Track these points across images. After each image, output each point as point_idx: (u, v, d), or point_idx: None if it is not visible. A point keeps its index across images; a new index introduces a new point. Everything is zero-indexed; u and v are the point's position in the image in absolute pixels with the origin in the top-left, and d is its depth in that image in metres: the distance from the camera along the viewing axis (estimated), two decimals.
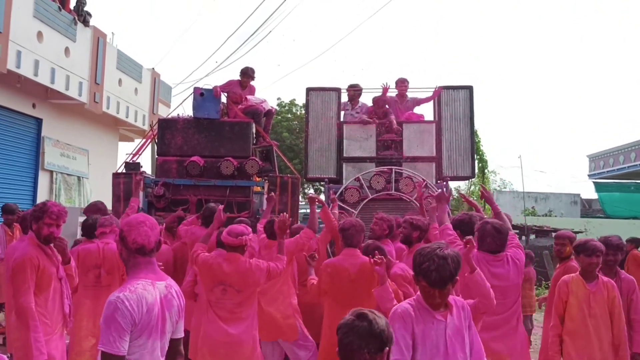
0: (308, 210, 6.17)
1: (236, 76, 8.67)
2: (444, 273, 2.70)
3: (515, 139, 68.23)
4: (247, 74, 8.58)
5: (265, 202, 7.70)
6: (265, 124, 8.80)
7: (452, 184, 9.08)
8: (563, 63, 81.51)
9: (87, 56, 13.87)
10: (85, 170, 15.37)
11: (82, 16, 13.59)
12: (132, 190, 7.50)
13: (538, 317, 9.18)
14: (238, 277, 4.28)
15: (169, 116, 8.76)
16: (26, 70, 11.42)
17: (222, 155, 7.77)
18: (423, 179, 7.88)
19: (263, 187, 8.27)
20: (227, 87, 8.48)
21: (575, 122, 73.76)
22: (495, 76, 77.41)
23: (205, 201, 7.40)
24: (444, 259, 2.72)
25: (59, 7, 12.51)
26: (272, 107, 8.91)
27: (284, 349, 5.29)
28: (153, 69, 18.36)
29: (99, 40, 14.28)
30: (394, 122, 8.51)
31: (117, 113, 15.70)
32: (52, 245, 4.01)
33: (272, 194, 6.26)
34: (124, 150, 17.89)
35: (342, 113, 8.98)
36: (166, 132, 7.97)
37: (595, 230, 14.74)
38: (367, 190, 7.94)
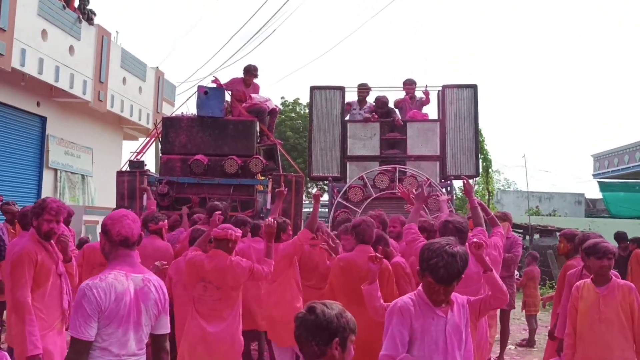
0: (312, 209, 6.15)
1: (240, 74, 8.66)
2: (452, 270, 2.67)
3: (520, 139, 68.18)
4: (251, 72, 8.57)
5: (269, 200, 7.69)
6: (269, 123, 8.80)
7: (456, 183, 9.06)
8: (567, 62, 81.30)
9: (92, 55, 13.89)
10: (89, 169, 15.40)
11: (86, 15, 13.61)
12: (136, 188, 7.55)
13: (542, 317, 9.16)
14: (218, 274, 4.28)
15: (173, 114, 8.75)
16: (30, 69, 11.44)
17: (226, 153, 7.77)
18: (427, 178, 7.87)
19: (267, 186, 8.27)
20: (231, 85, 8.48)
21: (579, 122, 73.62)
22: (499, 75, 77.30)
23: (209, 199, 7.40)
24: (453, 256, 2.69)
25: (63, 5, 12.53)
26: (275, 105, 8.90)
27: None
28: (157, 67, 18.39)
29: (103, 38, 14.30)
30: (398, 118, 8.51)
31: (121, 111, 15.73)
32: (53, 241, 4.01)
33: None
34: (128, 148, 18.00)
35: (349, 113, 8.97)
36: (170, 130, 7.97)
37: (599, 230, 14.68)
38: (370, 189, 7.93)
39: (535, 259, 8.81)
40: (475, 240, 3.50)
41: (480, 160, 15.40)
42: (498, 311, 6.16)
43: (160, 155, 8.18)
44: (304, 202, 9.23)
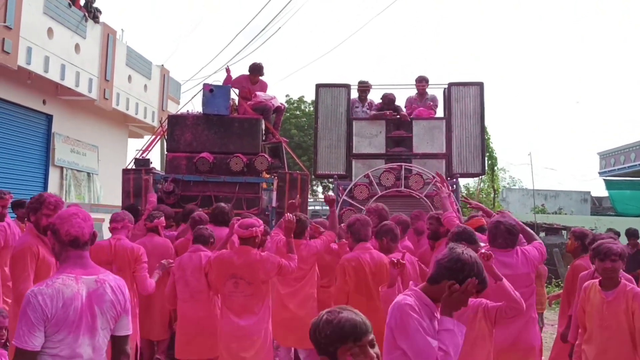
0: (317, 207, 6.16)
1: (245, 72, 8.66)
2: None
3: (525, 137, 67.94)
4: (257, 69, 8.56)
5: (274, 198, 7.68)
6: (275, 121, 8.79)
7: (462, 181, 9.05)
8: (573, 60, 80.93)
9: (97, 53, 13.92)
10: (95, 167, 15.43)
11: (92, 13, 13.63)
12: (142, 186, 7.55)
13: (547, 315, 9.14)
14: (248, 269, 4.34)
15: (179, 112, 8.76)
16: (36, 67, 11.47)
17: (232, 151, 7.76)
18: (433, 176, 7.85)
19: (272, 184, 8.26)
20: (237, 82, 8.47)
21: (585, 120, 73.30)
22: (505, 74, 77.05)
23: (214, 197, 7.40)
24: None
25: (69, 3, 12.55)
26: (281, 103, 8.89)
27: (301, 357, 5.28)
28: (162, 65, 18.40)
29: (108, 36, 14.32)
30: (405, 115, 8.50)
31: (127, 109, 15.76)
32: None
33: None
34: (134, 146, 18.05)
35: (353, 110, 8.96)
36: (175, 128, 7.97)
37: (605, 228, 14.64)
38: (376, 187, 7.92)
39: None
40: (484, 251, 3.50)
41: (486, 158, 15.39)
42: None
43: (166, 153, 8.18)
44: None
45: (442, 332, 2.51)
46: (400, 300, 2.62)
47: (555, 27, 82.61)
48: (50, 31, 11.86)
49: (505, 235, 4.05)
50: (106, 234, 6.17)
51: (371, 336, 1.99)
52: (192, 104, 12.18)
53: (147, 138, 9.64)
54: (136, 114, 16.37)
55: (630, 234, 8.59)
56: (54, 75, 12.07)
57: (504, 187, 30.45)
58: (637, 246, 8.27)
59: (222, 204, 5.97)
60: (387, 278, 4.42)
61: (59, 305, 2.43)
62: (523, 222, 4.41)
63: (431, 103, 8.87)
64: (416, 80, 8.94)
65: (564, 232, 15.74)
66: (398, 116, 8.59)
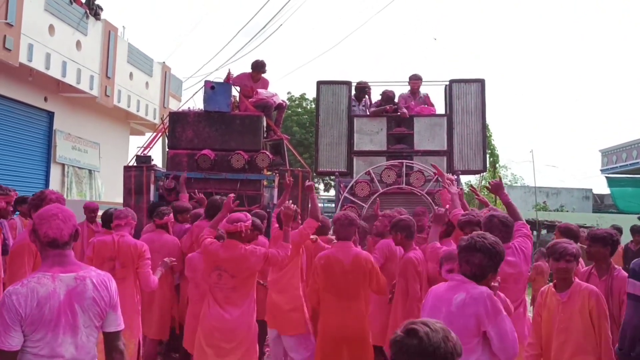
0: (319, 205, 6.17)
1: (247, 69, 8.65)
2: None
3: (527, 134, 67.84)
4: (259, 67, 8.54)
5: (275, 195, 7.67)
6: (277, 118, 8.78)
7: (463, 178, 9.03)
8: (575, 57, 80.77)
9: (98, 50, 13.92)
10: (96, 164, 15.45)
11: (93, 10, 13.63)
12: (143, 183, 7.55)
13: None
14: (233, 263, 4.34)
15: (180, 109, 8.75)
16: (38, 64, 11.48)
17: (233, 148, 7.76)
18: (434, 173, 7.84)
19: (273, 181, 8.27)
20: (239, 80, 8.46)
21: (587, 117, 73.19)
22: (506, 71, 76.91)
23: (215, 194, 7.39)
24: None
25: (70, 0, 12.55)
26: (282, 100, 8.88)
27: (285, 347, 5.29)
28: (164, 62, 18.41)
29: (110, 33, 14.32)
30: (405, 111, 8.49)
31: (128, 107, 15.77)
32: None
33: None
34: (135, 143, 18.01)
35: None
36: (177, 125, 7.96)
37: (607, 225, 14.64)
38: (377, 184, 7.91)
39: (544, 254, 8.80)
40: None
41: (488, 156, 15.36)
42: None
43: (167, 150, 8.18)
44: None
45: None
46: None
47: (556, 25, 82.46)
48: (51, 28, 11.86)
49: (500, 227, 3.99)
50: None
51: None
52: (193, 101, 12.21)
53: (149, 135, 9.66)
54: (137, 111, 16.38)
55: (636, 230, 8.59)
56: (55, 72, 12.08)
57: (506, 184, 30.24)
58: None
59: (216, 198, 5.87)
60: (365, 278, 4.48)
61: (34, 305, 2.40)
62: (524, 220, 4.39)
63: (424, 103, 8.87)
64: (410, 78, 8.93)
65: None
66: (398, 113, 8.57)
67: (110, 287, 2.61)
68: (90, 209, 7.58)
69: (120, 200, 7.97)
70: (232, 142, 7.86)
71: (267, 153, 7.84)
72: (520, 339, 3.90)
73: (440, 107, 9.04)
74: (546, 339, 3.78)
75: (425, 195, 7.62)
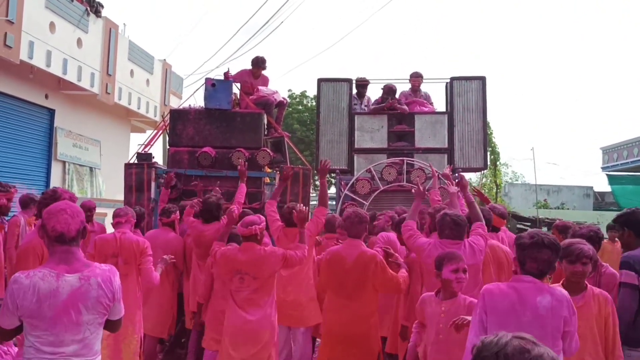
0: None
1: (248, 67, 8.64)
2: None
3: (528, 131, 67.82)
4: (259, 63, 8.53)
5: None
6: (277, 115, 8.77)
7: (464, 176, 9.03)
8: (577, 54, 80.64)
9: (99, 47, 13.92)
10: (97, 161, 15.45)
11: (94, 7, 13.62)
12: (144, 181, 7.55)
13: None
14: (253, 265, 4.38)
15: (181, 107, 8.74)
16: (38, 61, 11.47)
17: (234, 146, 7.75)
18: (435, 171, 7.85)
19: (274, 178, 8.26)
20: (239, 77, 8.45)
21: (588, 115, 73.11)
22: (507, 68, 76.81)
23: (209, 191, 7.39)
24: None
25: None
26: (283, 98, 8.88)
27: (292, 341, 5.31)
28: (164, 60, 18.39)
29: (110, 31, 14.31)
30: (405, 108, 8.49)
31: (129, 104, 15.77)
32: None
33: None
34: (136, 141, 18.06)
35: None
36: (178, 122, 7.96)
37: (608, 223, 14.63)
38: (378, 181, 7.91)
39: None
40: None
41: (488, 153, 15.35)
42: None
43: (168, 147, 8.17)
44: (311, 194, 9.20)
45: None
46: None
47: (557, 22, 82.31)
48: (52, 25, 11.86)
49: (452, 226, 4.09)
50: (108, 229, 6.17)
51: None
52: (194, 98, 12.25)
53: (149, 132, 9.66)
54: (138, 108, 16.37)
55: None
56: (56, 69, 12.07)
57: (507, 182, 30.40)
58: None
59: (211, 199, 5.83)
60: (368, 278, 4.45)
61: (33, 300, 2.48)
62: (525, 217, 4.38)
63: (425, 100, 8.87)
64: (411, 76, 8.93)
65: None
66: (398, 111, 8.57)
67: (114, 280, 2.68)
68: (87, 208, 7.58)
69: (121, 197, 7.98)
70: (233, 140, 7.86)
71: (268, 150, 7.84)
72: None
73: (441, 105, 9.06)
74: None
75: (426, 192, 7.62)
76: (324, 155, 8.67)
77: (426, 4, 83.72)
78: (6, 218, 6.41)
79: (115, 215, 5.04)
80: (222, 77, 8.18)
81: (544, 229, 15.72)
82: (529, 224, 15.01)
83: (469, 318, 3.04)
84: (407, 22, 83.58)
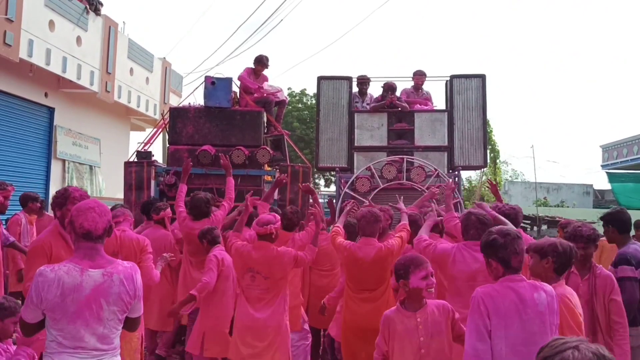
0: (319, 200, 6.17)
1: (247, 65, 8.65)
2: None
3: (528, 129, 67.81)
4: (262, 62, 8.54)
5: (276, 191, 7.66)
6: (278, 113, 8.78)
7: (464, 174, 9.05)
8: (576, 52, 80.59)
9: (99, 45, 13.90)
10: (97, 159, 15.45)
11: (93, 5, 13.60)
12: (143, 179, 7.55)
13: None
14: (266, 264, 4.43)
15: (180, 105, 8.74)
16: (38, 59, 11.46)
17: (233, 144, 7.75)
18: (435, 169, 7.84)
19: (274, 177, 8.26)
20: (242, 77, 8.44)
21: (588, 112, 73.09)
22: (507, 66, 76.77)
23: (216, 190, 7.40)
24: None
25: None
26: (285, 96, 8.89)
27: None
28: (164, 58, 18.37)
29: (110, 29, 14.29)
30: (405, 105, 8.48)
31: (129, 102, 15.75)
32: None
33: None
34: (136, 139, 18.02)
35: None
36: (177, 120, 7.96)
37: None
38: (378, 179, 7.91)
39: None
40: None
41: (488, 151, 15.34)
42: None
43: (168, 145, 8.17)
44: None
45: None
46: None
47: (557, 20, 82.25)
48: (51, 23, 11.84)
49: (477, 225, 3.96)
50: None
51: None
52: (193, 96, 12.24)
53: (149, 131, 9.66)
54: (138, 106, 16.36)
55: (638, 225, 8.56)
56: (55, 67, 12.06)
57: (506, 180, 30.40)
58: None
59: (199, 196, 5.80)
60: (387, 273, 4.47)
61: (57, 293, 2.53)
62: (525, 215, 4.38)
63: (427, 99, 8.87)
64: (414, 74, 8.93)
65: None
66: (399, 108, 8.56)
67: (136, 278, 2.74)
68: None
69: (121, 195, 7.99)
70: (233, 138, 7.86)
71: (268, 149, 7.84)
72: None
73: (441, 103, 9.05)
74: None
75: (426, 190, 7.62)
76: (324, 153, 8.67)
77: (426, 2, 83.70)
78: (1, 217, 6.39)
79: (112, 217, 5.03)
80: (222, 75, 8.17)
81: (544, 227, 15.74)
82: (528, 222, 15.00)
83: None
84: (407, 20, 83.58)
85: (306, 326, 5.44)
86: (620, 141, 26.32)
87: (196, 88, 16.43)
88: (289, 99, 12.31)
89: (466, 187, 25.24)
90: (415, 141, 8.42)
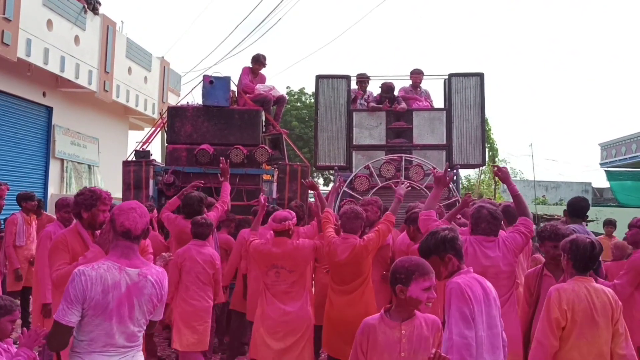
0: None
1: (245, 64, 8.64)
2: None
3: (526, 128, 67.84)
4: (259, 60, 8.53)
5: (275, 189, 7.66)
6: (277, 112, 8.77)
7: (463, 172, 9.05)
8: (575, 50, 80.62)
9: (97, 44, 13.88)
10: (95, 159, 15.44)
11: (91, 4, 13.58)
12: (142, 178, 7.54)
13: None
14: (288, 258, 4.50)
15: (179, 104, 8.73)
16: (36, 59, 11.45)
17: (232, 143, 7.75)
18: (433, 167, 7.84)
19: (272, 175, 8.26)
20: (243, 79, 8.44)
21: (586, 111, 73.13)
22: (506, 64, 76.78)
23: (215, 189, 7.39)
24: None
25: None
26: (282, 94, 8.87)
27: None
28: (162, 57, 18.37)
29: (108, 28, 14.28)
30: (402, 105, 8.48)
31: (127, 102, 15.74)
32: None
33: (225, 165, 6.30)
34: (134, 138, 18.04)
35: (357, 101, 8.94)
36: (176, 120, 7.95)
37: (605, 219, 14.60)
38: (376, 178, 7.91)
39: (538, 249, 8.83)
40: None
41: (487, 150, 15.33)
42: None
43: (166, 145, 8.17)
44: (309, 191, 9.19)
45: None
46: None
47: (555, 19, 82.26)
48: (49, 23, 11.82)
49: (489, 219, 3.90)
50: None
51: None
52: (192, 95, 12.19)
53: (148, 130, 9.64)
54: (136, 106, 16.36)
55: (630, 224, 8.56)
56: (53, 67, 12.05)
57: None
58: None
59: (193, 194, 5.78)
60: (363, 268, 4.59)
61: (99, 290, 2.58)
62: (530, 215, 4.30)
63: (424, 98, 8.87)
64: (412, 73, 8.93)
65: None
66: (397, 109, 8.56)
67: (164, 284, 2.82)
68: (65, 204, 7.49)
69: (120, 195, 7.97)
70: (231, 137, 7.85)
71: (266, 148, 7.83)
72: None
73: (439, 101, 9.05)
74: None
75: (424, 189, 7.63)
76: (322, 152, 8.66)
77: (425, 0, 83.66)
78: None
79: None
80: (220, 74, 8.16)
81: (543, 225, 15.74)
82: (531, 223, 14.98)
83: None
84: (406, 19, 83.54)
85: None
86: (619, 139, 26.33)
87: (194, 87, 16.35)
88: (287, 97, 12.30)
89: (465, 185, 25.26)
90: (414, 140, 8.42)
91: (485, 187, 23.44)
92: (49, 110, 13.39)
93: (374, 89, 9.17)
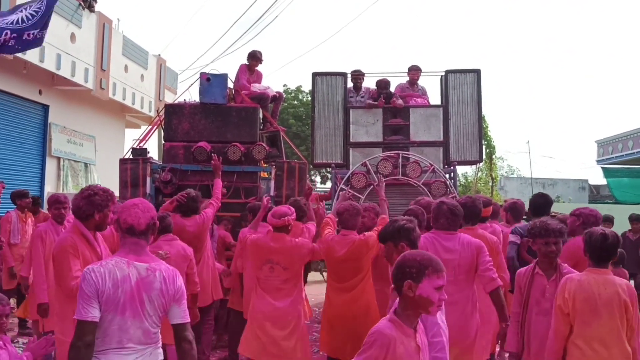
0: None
1: (242, 62, 8.62)
2: None
3: (523, 125, 67.98)
4: (256, 56, 8.52)
5: (272, 187, 7.65)
6: (274, 109, 8.75)
7: (460, 169, 9.07)
8: (572, 47, 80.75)
9: (93, 42, 13.83)
10: (92, 157, 15.40)
11: (87, 2, 13.52)
12: (139, 176, 7.52)
13: None
14: (284, 255, 4.50)
15: (176, 102, 8.71)
16: (32, 57, 11.39)
17: (229, 140, 7.73)
18: (430, 164, 7.85)
19: (270, 173, 8.25)
20: (239, 77, 8.42)
21: (583, 108, 73.27)
22: (503, 61, 76.87)
23: (211, 187, 7.38)
24: None
25: None
26: (277, 92, 8.86)
27: None
28: (159, 55, 18.32)
29: (104, 26, 14.22)
30: (399, 101, 8.48)
31: (124, 99, 15.69)
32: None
33: (217, 161, 6.42)
34: (131, 136, 17.96)
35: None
36: (173, 117, 7.93)
37: (602, 215, 14.60)
38: (374, 175, 7.91)
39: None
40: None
41: (484, 146, 15.34)
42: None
43: (163, 142, 8.15)
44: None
45: None
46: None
47: (552, 15, 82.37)
48: None
49: (448, 215, 4.00)
50: None
51: None
52: (189, 93, 12.14)
53: (144, 128, 9.62)
54: (133, 104, 16.31)
55: (634, 218, 8.60)
56: (49, 65, 12.00)
57: (502, 175, 30.43)
58: None
59: (190, 190, 5.78)
60: (363, 264, 4.57)
61: (109, 284, 2.59)
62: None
63: (421, 94, 8.88)
64: (409, 69, 8.93)
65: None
66: (394, 104, 8.56)
67: (177, 281, 2.78)
68: (53, 200, 7.40)
69: (117, 193, 7.95)
70: (229, 134, 7.84)
71: (264, 145, 7.82)
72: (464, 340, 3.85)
73: (436, 98, 9.05)
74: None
75: (422, 186, 7.63)
76: (319, 150, 8.66)
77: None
78: None
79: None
80: (217, 72, 8.14)
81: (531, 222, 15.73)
82: (524, 217, 15.01)
83: None
84: (402, 15, 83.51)
85: (309, 321, 5.50)
86: (616, 136, 26.35)
87: (191, 85, 16.35)
88: (284, 95, 12.28)
89: (462, 182, 25.29)
90: (411, 137, 8.43)
91: (482, 184, 23.45)
92: (45, 108, 13.34)
93: (370, 84, 9.17)
